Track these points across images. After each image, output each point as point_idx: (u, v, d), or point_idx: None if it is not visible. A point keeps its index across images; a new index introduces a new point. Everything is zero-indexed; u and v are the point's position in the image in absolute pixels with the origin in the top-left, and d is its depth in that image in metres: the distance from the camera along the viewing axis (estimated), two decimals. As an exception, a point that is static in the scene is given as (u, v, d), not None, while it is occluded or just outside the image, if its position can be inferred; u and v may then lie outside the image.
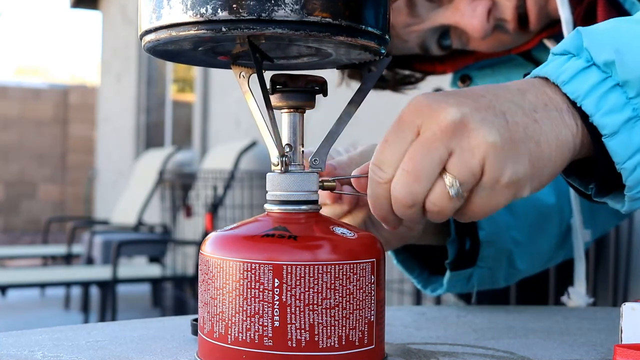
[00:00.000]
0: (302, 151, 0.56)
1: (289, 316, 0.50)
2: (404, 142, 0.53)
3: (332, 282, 0.50)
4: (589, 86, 0.54)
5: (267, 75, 0.55)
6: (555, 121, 0.54)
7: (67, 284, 3.97)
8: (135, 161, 6.18)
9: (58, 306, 4.61)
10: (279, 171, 0.55)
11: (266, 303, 0.50)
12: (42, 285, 4.14)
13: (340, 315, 0.51)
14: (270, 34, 0.49)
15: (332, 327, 0.51)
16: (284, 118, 0.56)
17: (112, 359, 0.57)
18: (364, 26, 0.51)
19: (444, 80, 1.10)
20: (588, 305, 0.89)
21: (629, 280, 1.42)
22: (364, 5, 0.51)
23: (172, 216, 4.12)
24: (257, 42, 0.52)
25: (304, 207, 0.55)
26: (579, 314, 0.81)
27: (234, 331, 0.51)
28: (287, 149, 0.55)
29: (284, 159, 0.54)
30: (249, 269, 0.50)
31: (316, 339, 0.50)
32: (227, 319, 0.51)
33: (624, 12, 0.80)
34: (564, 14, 0.81)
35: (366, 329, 0.52)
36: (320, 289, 0.50)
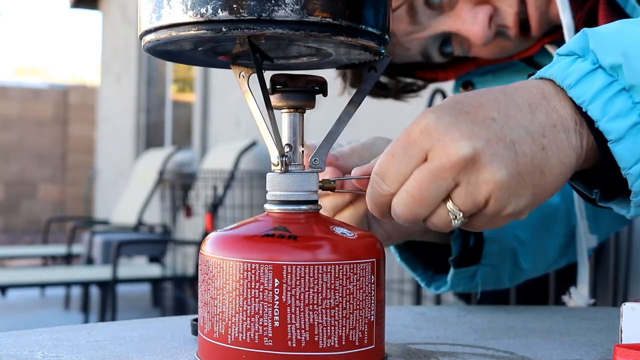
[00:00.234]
0: (304, 143, 0.56)
1: (289, 316, 0.50)
2: (410, 162, 0.53)
3: (332, 282, 0.50)
4: (595, 90, 0.53)
5: (267, 75, 0.55)
6: (561, 145, 0.54)
7: (67, 284, 3.97)
8: (135, 161, 6.19)
9: (58, 306, 4.61)
10: (279, 171, 0.55)
11: (266, 303, 0.50)
12: (42, 285, 4.14)
13: (340, 315, 0.51)
14: (270, 34, 0.49)
15: (332, 327, 0.51)
16: (284, 118, 0.56)
17: (112, 359, 0.57)
18: (364, 26, 0.51)
19: (446, 87, 1.11)
20: (588, 305, 0.89)
21: (629, 281, 1.42)
22: (364, 5, 0.51)
23: (172, 216, 4.12)
24: (257, 42, 0.52)
25: (304, 207, 0.55)
26: (579, 314, 0.81)
27: (234, 331, 0.51)
28: (287, 149, 0.55)
29: (284, 159, 0.54)
30: (249, 269, 0.50)
31: (316, 339, 0.50)
32: (227, 319, 0.51)
33: (625, 17, 0.80)
34: (565, 19, 0.81)
35: (366, 329, 0.52)
36: (320, 289, 0.50)
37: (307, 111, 0.57)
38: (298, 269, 0.50)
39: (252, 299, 0.50)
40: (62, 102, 9.72)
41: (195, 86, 5.54)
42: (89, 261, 4.29)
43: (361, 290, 0.52)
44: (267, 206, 0.55)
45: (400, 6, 0.84)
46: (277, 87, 0.55)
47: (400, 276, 2.44)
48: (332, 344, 0.50)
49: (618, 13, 0.80)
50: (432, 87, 1.15)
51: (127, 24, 7.16)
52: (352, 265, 0.51)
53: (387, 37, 0.54)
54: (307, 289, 0.50)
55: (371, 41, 0.52)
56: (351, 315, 0.51)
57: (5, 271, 3.91)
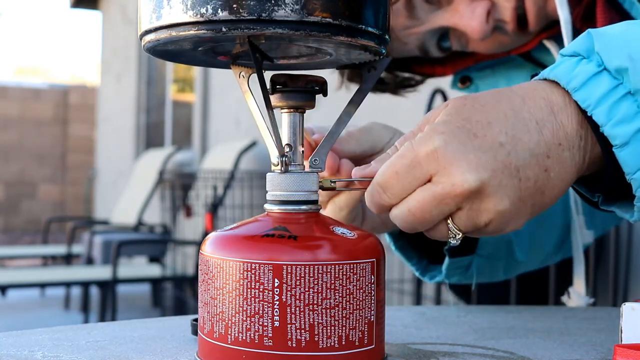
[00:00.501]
0: (305, 129, 0.57)
1: (289, 316, 0.50)
2: (413, 182, 0.53)
3: (332, 282, 0.50)
4: (600, 94, 0.53)
5: (267, 75, 0.55)
6: (564, 163, 0.54)
7: (67, 284, 3.97)
8: (135, 161, 6.19)
9: (58, 306, 4.61)
10: (279, 171, 0.55)
11: (266, 303, 0.50)
12: (42, 285, 4.14)
13: (340, 315, 0.51)
14: (270, 34, 0.49)
15: (332, 327, 0.51)
16: (284, 118, 0.56)
17: (112, 359, 0.57)
18: (364, 26, 0.51)
19: (444, 82, 1.10)
20: (588, 305, 0.89)
21: (629, 280, 1.42)
22: (364, 6, 0.51)
23: (172, 216, 4.12)
24: (257, 42, 0.52)
25: (304, 207, 0.55)
26: (579, 314, 0.81)
27: (234, 331, 0.51)
28: (287, 149, 0.55)
29: (284, 159, 0.54)
30: (249, 269, 0.50)
31: (316, 339, 0.50)
32: (227, 319, 0.51)
33: (623, 12, 0.80)
34: (563, 14, 0.81)
35: (366, 329, 0.52)
36: (320, 289, 0.50)
37: (307, 111, 0.57)
38: (298, 269, 0.50)
39: (252, 299, 0.50)
40: (62, 102, 9.72)
41: (195, 86, 5.54)
42: (89, 261, 4.29)
43: (361, 290, 0.52)
44: (267, 206, 0.55)
45: (398, 0, 0.84)
46: (277, 87, 0.55)
47: (400, 276, 2.44)
48: (332, 344, 0.50)
49: (616, 9, 0.80)
50: (431, 86, 1.14)
51: (127, 24, 7.16)
52: (352, 265, 0.51)
53: (387, 37, 0.54)
54: (307, 289, 0.50)
55: (371, 41, 0.52)
56: (351, 315, 0.51)
57: (5, 271, 3.91)
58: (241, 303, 0.51)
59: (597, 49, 0.54)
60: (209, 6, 0.49)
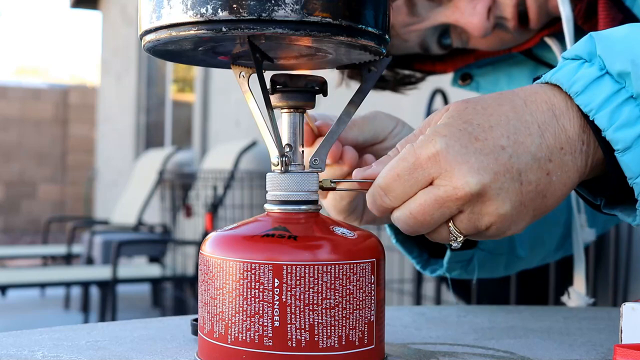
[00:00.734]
0: (307, 115, 0.57)
1: (289, 316, 0.50)
2: (415, 185, 0.53)
3: (332, 282, 0.50)
4: (602, 98, 0.53)
5: (267, 75, 0.55)
6: (566, 167, 0.54)
7: (67, 284, 3.97)
8: (135, 161, 6.19)
9: (58, 306, 4.61)
10: (279, 171, 0.55)
11: (266, 303, 0.50)
12: (42, 285, 4.14)
13: (340, 315, 0.51)
14: (270, 34, 0.49)
15: (332, 327, 0.51)
16: (284, 118, 0.56)
17: (112, 359, 0.57)
18: (363, 26, 0.51)
19: (445, 80, 1.10)
20: (588, 305, 0.89)
21: (629, 280, 1.42)
22: (364, 5, 0.51)
23: (172, 216, 4.12)
24: (257, 42, 0.52)
25: (304, 207, 0.55)
26: (579, 314, 0.81)
27: (234, 331, 0.51)
28: (287, 149, 0.55)
29: (284, 159, 0.54)
30: (249, 269, 0.50)
31: (316, 339, 0.50)
32: (227, 319, 0.51)
33: (625, 9, 0.80)
34: (565, 11, 0.81)
35: (366, 329, 0.52)
36: (320, 289, 0.50)
37: (307, 111, 0.57)
38: (298, 269, 0.50)
39: (252, 299, 0.50)
40: (62, 102, 9.72)
41: (195, 86, 5.54)
42: (89, 261, 4.29)
43: (361, 290, 0.52)
44: (267, 206, 0.55)
45: None
46: (277, 87, 0.55)
47: (400, 276, 2.44)
48: (332, 344, 0.50)
49: (618, 6, 0.80)
50: (432, 84, 1.14)
51: (127, 24, 7.16)
52: (352, 265, 0.51)
53: (387, 37, 0.54)
54: (307, 289, 0.50)
55: (371, 41, 0.52)
56: (351, 315, 0.51)
57: (5, 271, 3.91)
58: (241, 303, 0.51)
59: (599, 52, 0.54)
60: (209, 6, 0.49)
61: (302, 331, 0.50)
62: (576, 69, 0.55)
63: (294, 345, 0.50)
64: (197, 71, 5.44)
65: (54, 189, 9.70)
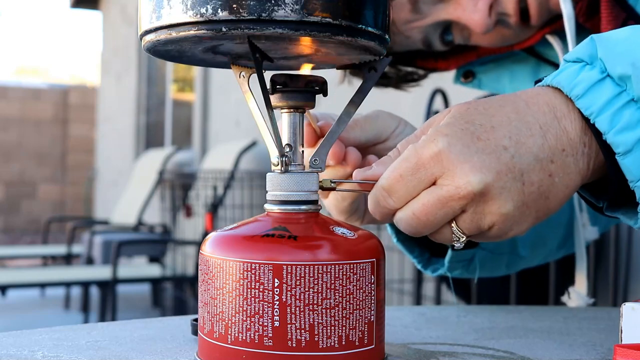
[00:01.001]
0: (310, 115, 0.57)
1: (289, 316, 0.50)
2: (418, 185, 0.53)
3: (332, 282, 0.50)
4: (603, 102, 0.53)
5: (267, 75, 0.55)
6: (568, 169, 0.54)
7: (67, 284, 3.97)
8: (135, 161, 6.19)
9: (58, 306, 4.61)
10: (279, 171, 0.55)
11: (266, 303, 0.50)
12: (42, 285, 4.14)
13: (340, 315, 0.51)
14: (270, 34, 0.49)
15: (332, 327, 0.51)
16: (284, 118, 0.56)
17: (112, 359, 0.57)
18: (363, 26, 0.51)
19: (445, 80, 1.10)
20: (588, 305, 0.89)
21: (629, 280, 1.42)
22: (364, 5, 0.51)
23: (172, 216, 4.12)
24: (257, 42, 0.52)
25: (304, 207, 0.55)
26: (579, 314, 0.81)
27: (234, 331, 0.51)
28: (287, 149, 0.55)
29: (284, 159, 0.54)
30: (249, 269, 0.50)
31: (316, 339, 0.50)
32: (227, 319, 0.51)
33: (627, 7, 0.80)
34: (566, 8, 0.81)
35: (366, 329, 0.52)
36: (320, 289, 0.50)
37: (309, 111, 0.57)
38: (298, 269, 0.50)
39: (252, 299, 0.50)
40: (62, 102, 9.72)
41: (195, 86, 5.54)
42: (89, 261, 4.29)
43: (361, 290, 0.52)
44: (267, 206, 0.55)
45: None
46: (277, 87, 0.55)
47: (400, 276, 2.44)
48: (332, 344, 0.50)
49: (620, 4, 0.80)
50: (434, 81, 1.13)
51: (127, 24, 7.16)
52: (352, 265, 0.51)
53: (387, 37, 0.54)
54: (307, 289, 0.50)
55: (371, 41, 0.52)
56: (351, 315, 0.51)
57: (5, 271, 3.91)
58: (241, 303, 0.51)
59: (601, 55, 0.54)
60: (209, 6, 0.49)
61: (302, 331, 0.50)
62: (577, 71, 0.54)
63: (294, 345, 0.50)
64: (197, 71, 5.44)
65: (54, 189, 9.70)
